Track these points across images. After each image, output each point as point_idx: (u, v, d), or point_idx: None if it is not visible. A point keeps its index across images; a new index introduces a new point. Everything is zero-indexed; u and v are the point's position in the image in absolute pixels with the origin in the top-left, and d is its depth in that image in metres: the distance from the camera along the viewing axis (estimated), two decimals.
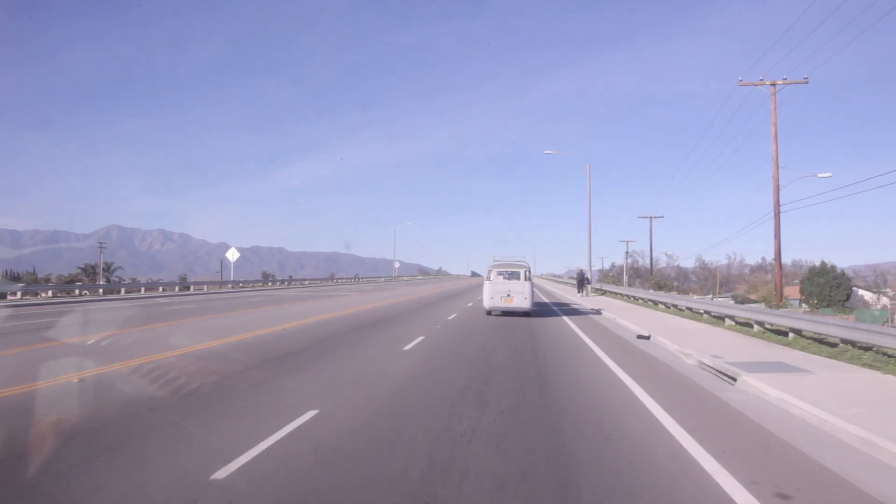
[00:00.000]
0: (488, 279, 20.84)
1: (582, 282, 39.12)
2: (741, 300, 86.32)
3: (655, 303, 25.89)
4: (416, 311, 22.09)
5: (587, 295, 38.49)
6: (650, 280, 64.93)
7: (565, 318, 20.55)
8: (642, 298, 29.04)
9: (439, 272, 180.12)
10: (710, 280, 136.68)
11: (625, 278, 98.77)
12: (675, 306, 22.90)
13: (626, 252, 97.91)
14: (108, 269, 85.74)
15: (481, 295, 21.21)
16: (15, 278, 70.76)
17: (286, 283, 61.16)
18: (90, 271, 78.32)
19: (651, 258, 68.86)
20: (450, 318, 19.50)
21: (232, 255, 47.90)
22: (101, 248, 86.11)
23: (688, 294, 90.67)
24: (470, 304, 26.97)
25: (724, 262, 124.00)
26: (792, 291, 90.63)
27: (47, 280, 67.09)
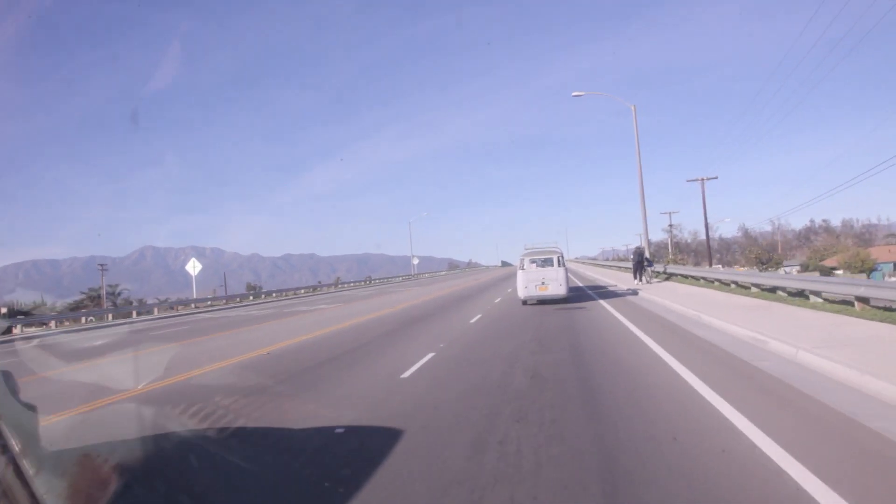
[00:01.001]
0: (521, 268, 20.10)
1: (640, 264, 28.21)
2: (819, 269, 73.39)
3: (802, 292, 14.93)
4: (358, 353, 11.77)
5: (649, 282, 27.60)
6: (751, 252, 52.44)
7: (662, 354, 9.87)
8: (755, 284, 17.97)
9: (469, 264, 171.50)
10: (754, 249, 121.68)
11: (669, 254, 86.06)
12: (859, 300, 11.84)
13: (670, 224, 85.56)
14: (112, 292, 78.83)
15: (503, 293, 21.13)
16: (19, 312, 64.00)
17: (275, 294, 51.59)
18: (94, 296, 71.38)
19: (706, 227, 55.66)
20: (405, 375, 9.01)
21: (192, 267, 38.56)
22: (102, 270, 78.11)
23: (731, 267, 77.81)
24: (475, 319, 16.54)
25: (768, 229, 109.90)
26: (877, 253, 77.35)
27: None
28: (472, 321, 16.15)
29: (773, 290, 16.47)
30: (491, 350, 10.85)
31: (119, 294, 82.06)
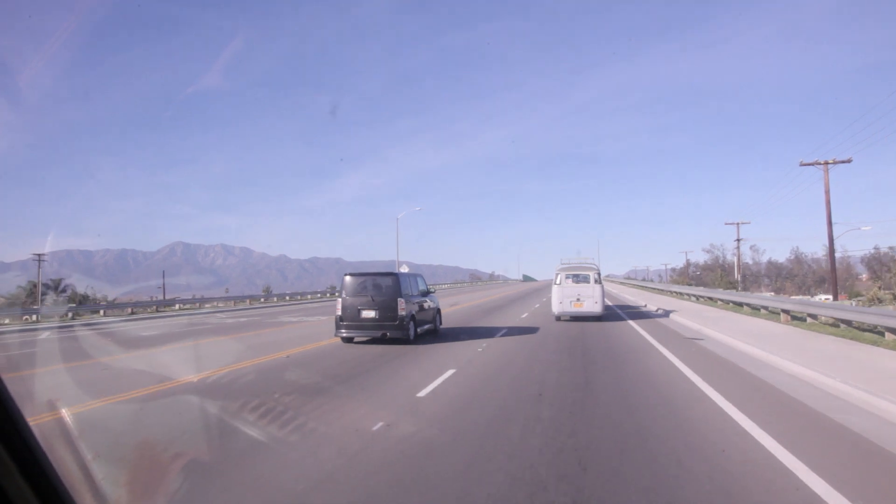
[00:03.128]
0: (556, 283, 20.38)
1: None
2: None
3: None
4: None
5: None
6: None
7: None
8: None
9: (492, 277, 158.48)
10: (810, 276, 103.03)
11: (737, 276, 64.97)
12: None
13: (738, 240, 66.55)
14: (56, 286, 66.01)
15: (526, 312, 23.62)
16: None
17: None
18: (30, 291, 60.26)
19: (830, 236, 29.11)
20: None
21: None
22: (39, 261, 64.10)
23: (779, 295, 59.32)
24: None
25: (821, 253, 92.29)
26: None
27: None
28: None
29: None
30: None
31: (62, 291, 66.06)
